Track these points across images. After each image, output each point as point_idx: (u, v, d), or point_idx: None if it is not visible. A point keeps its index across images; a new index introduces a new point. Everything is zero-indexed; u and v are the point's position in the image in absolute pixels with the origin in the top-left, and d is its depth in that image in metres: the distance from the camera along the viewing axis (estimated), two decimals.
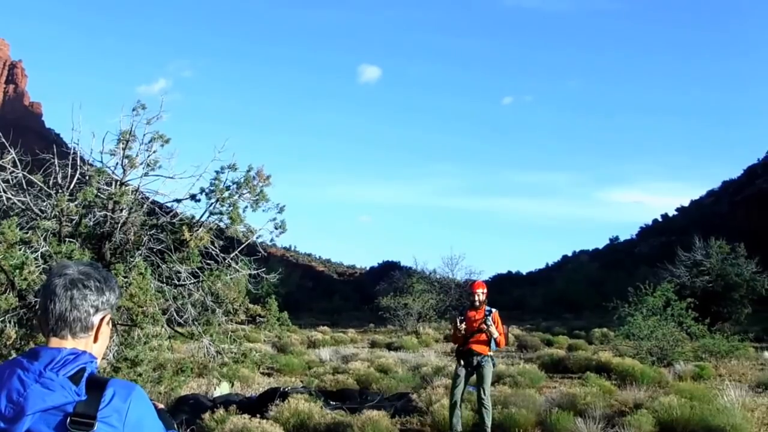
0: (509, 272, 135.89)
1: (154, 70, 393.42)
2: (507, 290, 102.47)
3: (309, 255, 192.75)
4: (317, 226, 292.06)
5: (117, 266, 11.07)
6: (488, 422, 9.94)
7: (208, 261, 13.37)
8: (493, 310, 10.50)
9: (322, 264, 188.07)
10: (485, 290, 10.73)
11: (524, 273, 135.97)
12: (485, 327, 10.07)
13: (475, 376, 10.29)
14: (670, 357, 19.24)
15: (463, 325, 10.20)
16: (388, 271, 68.50)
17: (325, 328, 40.77)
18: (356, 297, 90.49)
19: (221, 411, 10.41)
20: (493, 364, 10.44)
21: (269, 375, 18.52)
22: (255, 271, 14.07)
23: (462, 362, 10.39)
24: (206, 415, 10.30)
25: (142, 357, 11.30)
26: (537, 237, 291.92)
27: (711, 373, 17.43)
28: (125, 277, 10.86)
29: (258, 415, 10.16)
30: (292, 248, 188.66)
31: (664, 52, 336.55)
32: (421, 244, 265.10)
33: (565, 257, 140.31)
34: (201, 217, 12.83)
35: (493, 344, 10.22)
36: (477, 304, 10.51)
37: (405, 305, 40.06)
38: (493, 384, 15.08)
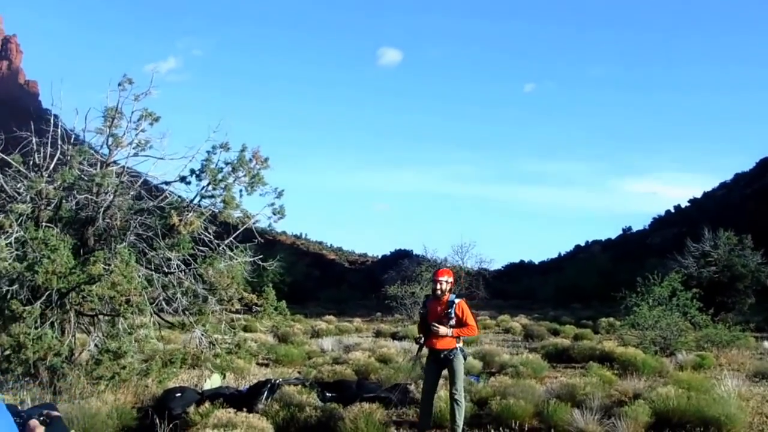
0: (522, 261, 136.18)
1: (163, 48, 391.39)
2: (518, 279, 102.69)
3: (320, 243, 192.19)
4: (333, 215, 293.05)
5: (97, 253, 10.83)
6: (459, 421, 9.25)
7: (203, 248, 13.09)
8: (457, 300, 9.48)
9: (334, 252, 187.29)
10: (450, 278, 9.66)
11: (537, 262, 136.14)
12: (434, 328, 9.22)
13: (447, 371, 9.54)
14: (673, 347, 19.09)
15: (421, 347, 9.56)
16: (400, 259, 68.08)
17: (331, 317, 40.60)
18: (366, 286, 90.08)
19: (207, 404, 10.11)
20: (464, 356, 9.54)
21: (267, 366, 18.35)
22: (251, 259, 13.81)
23: (428, 357, 9.68)
24: (191, 409, 9.96)
25: (125, 349, 11.02)
26: (551, 226, 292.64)
27: (712, 363, 17.26)
28: (107, 265, 10.63)
29: (245, 409, 9.77)
30: (303, 236, 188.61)
31: (683, 45, 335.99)
32: (437, 231, 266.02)
33: (577, 247, 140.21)
34: (193, 200, 12.51)
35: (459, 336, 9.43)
36: (439, 293, 9.51)
37: (412, 294, 39.77)
38: (493, 374, 15.00)
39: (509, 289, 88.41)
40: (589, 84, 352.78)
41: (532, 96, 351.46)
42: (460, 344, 9.48)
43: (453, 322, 9.32)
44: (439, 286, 9.49)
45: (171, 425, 9.45)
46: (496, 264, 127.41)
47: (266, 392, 10.88)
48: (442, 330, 9.23)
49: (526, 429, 10.06)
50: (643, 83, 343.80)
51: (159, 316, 12.83)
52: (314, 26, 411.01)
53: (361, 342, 23.44)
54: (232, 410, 9.27)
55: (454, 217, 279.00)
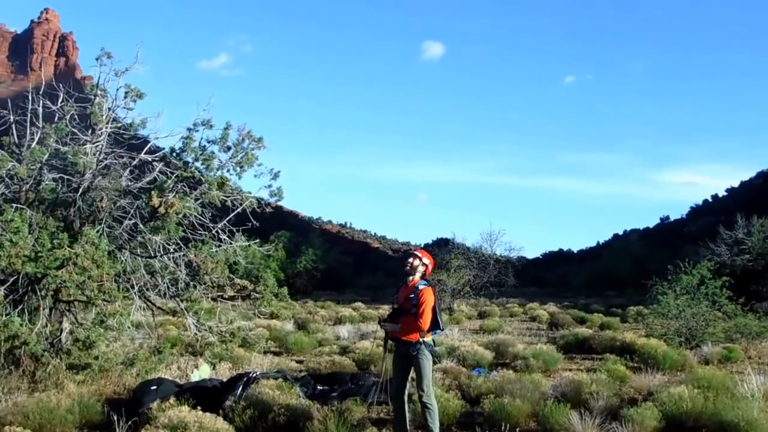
0: (560, 249, 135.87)
1: (215, 44, 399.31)
2: (555, 267, 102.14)
3: (364, 232, 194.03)
4: (379, 205, 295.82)
5: (62, 235, 10.09)
6: (434, 426, 8.10)
7: (201, 232, 12.35)
8: (421, 286, 8.20)
9: (378, 240, 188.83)
10: (424, 260, 8.47)
11: (575, 251, 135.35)
12: (383, 326, 8.41)
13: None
14: (699, 338, 18.01)
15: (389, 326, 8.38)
16: (441, 247, 67.70)
17: (359, 304, 40.09)
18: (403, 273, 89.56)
19: (172, 400, 9.32)
20: (432, 353, 8.20)
21: (275, 354, 17.70)
22: (246, 243, 13.11)
23: (392, 349, 8.54)
24: (154, 404, 9.19)
25: (94, 338, 10.28)
26: (592, 216, 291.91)
27: (740, 356, 16.07)
28: (71, 247, 9.88)
29: (199, 408, 8.85)
30: (348, 225, 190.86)
31: (720, 40, 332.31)
32: (478, 221, 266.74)
33: (615, 236, 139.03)
34: (175, 181, 11.70)
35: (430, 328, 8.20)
36: (409, 270, 8.36)
37: (438, 281, 38.79)
38: (502, 367, 14.14)
39: (545, 276, 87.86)
40: (626, 77, 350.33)
41: (571, 87, 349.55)
42: (426, 338, 8.16)
43: (415, 309, 8.08)
44: (408, 266, 8.41)
45: (130, 421, 8.73)
46: (532, 252, 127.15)
47: (240, 387, 10.02)
48: (388, 327, 8.35)
49: (517, 431, 9.17)
50: (682, 75, 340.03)
51: (152, 303, 12.12)
52: (360, 24, 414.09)
53: (378, 329, 22.69)
54: (186, 408, 8.43)
55: (495, 207, 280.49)
